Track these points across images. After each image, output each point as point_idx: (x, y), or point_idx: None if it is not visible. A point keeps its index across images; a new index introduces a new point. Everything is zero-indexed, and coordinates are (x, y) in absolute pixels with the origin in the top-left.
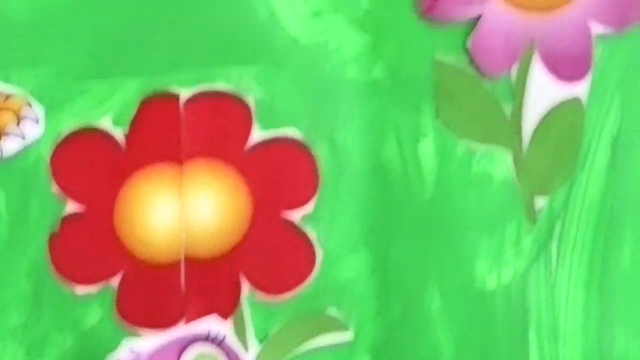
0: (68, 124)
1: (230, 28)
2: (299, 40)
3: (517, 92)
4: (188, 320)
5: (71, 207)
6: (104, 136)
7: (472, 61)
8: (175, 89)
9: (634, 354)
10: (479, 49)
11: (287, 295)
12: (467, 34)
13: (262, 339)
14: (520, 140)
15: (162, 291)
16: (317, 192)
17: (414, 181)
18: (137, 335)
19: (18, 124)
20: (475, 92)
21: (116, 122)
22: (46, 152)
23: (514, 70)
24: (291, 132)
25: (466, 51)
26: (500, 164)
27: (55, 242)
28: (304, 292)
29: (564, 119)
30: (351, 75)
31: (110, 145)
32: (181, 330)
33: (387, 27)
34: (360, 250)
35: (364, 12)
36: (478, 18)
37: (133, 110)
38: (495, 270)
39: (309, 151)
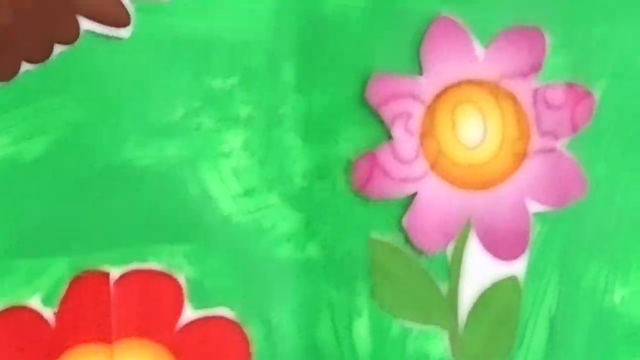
0: None
1: (161, 206)
2: (231, 218)
3: (453, 271)
4: None
5: None
6: (34, 315)
7: (408, 239)
8: (105, 267)
9: None
10: (415, 227)
11: None
12: (403, 210)
13: None
14: (457, 319)
15: None
16: None
17: None
18: None
19: None
20: (411, 270)
21: (46, 301)
22: None
23: (450, 248)
24: (223, 311)
25: (402, 229)
26: (436, 343)
27: None
28: None
29: (501, 298)
30: (285, 254)
31: (39, 325)
32: None
33: (322, 205)
34: None
35: (298, 189)
36: (414, 195)
37: (63, 289)
38: None
39: (241, 330)
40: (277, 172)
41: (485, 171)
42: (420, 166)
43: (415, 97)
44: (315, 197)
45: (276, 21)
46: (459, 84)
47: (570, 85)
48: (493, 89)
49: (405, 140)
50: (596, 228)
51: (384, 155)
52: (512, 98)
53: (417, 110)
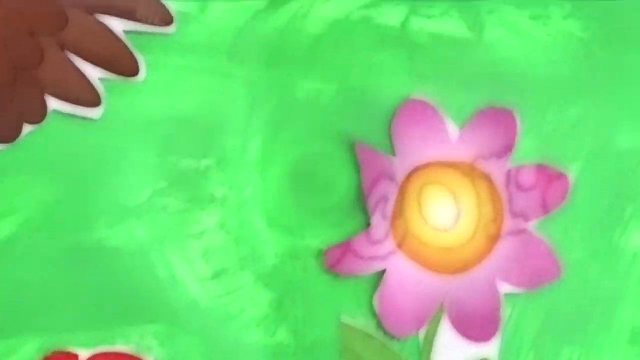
0: None
1: (131, 287)
2: (199, 302)
3: (425, 354)
4: None
5: None
6: None
7: (379, 322)
8: (74, 349)
9: None
10: (387, 311)
11: None
12: (374, 292)
13: None
14: None
15: None
16: None
17: None
18: None
19: None
20: (383, 355)
21: None
22: None
23: (423, 331)
24: None
25: (374, 314)
26: None
27: None
28: None
29: None
30: (254, 339)
31: None
32: None
33: (293, 285)
34: None
35: (270, 267)
36: (384, 275)
37: None
38: None
39: None
40: (250, 252)
41: (460, 255)
42: (388, 244)
43: (391, 178)
44: (287, 276)
45: (248, 103)
46: (427, 165)
47: (541, 167)
48: (468, 170)
49: (380, 223)
50: (569, 310)
51: (358, 239)
52: (488, 179)
53: (392, 192)
